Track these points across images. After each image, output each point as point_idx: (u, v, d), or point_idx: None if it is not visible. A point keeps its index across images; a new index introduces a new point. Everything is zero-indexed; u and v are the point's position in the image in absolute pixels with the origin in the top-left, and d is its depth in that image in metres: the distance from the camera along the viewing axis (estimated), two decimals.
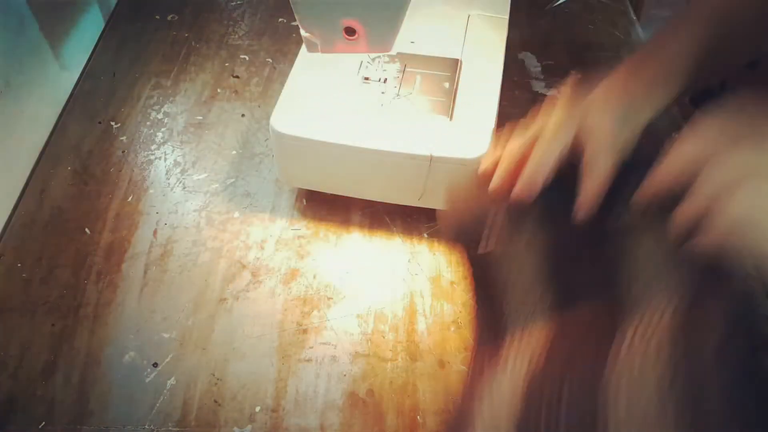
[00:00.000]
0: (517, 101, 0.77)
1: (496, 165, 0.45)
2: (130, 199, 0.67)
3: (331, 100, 0.61)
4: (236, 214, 0.65)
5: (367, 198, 0.65)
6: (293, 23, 0.88)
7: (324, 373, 0.54)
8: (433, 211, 0.64)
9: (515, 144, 0.46)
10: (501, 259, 0.44)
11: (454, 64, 0.65)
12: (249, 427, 0.51)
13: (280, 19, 0.89)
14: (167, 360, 0.54)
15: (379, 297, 0.59)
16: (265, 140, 0.73)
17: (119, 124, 0.74)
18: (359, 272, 0.61)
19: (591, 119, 0.45)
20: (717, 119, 0.42)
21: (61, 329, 0.56)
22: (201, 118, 0.75)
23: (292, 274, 0.60)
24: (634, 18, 0.90)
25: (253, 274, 0.60)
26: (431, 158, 0.57)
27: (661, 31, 0.52)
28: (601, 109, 0.45)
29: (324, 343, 0.55)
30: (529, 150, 0.44)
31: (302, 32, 0.55)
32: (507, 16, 0.71)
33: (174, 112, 0.76)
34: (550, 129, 0.45)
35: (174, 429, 0.50)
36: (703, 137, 0.41)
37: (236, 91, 0.79)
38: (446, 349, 0.56)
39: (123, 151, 0.72)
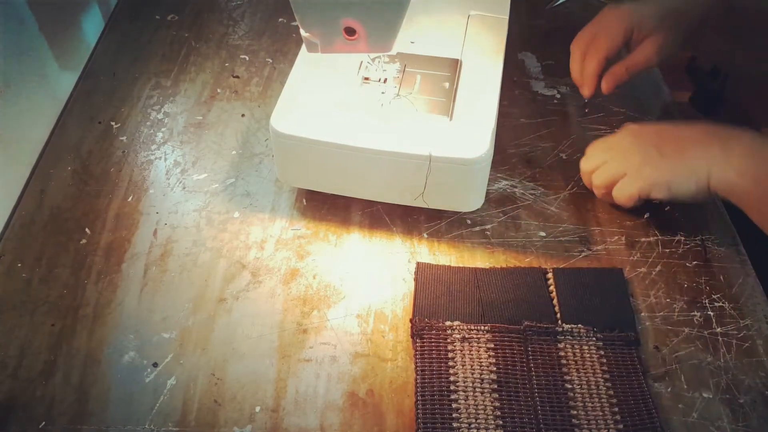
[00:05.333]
0: (517, 101, 0.77)
1: None
2: (130, 199, 0.67)
3: (331, 100, 0.61)
4: (236, 214, 0.65)
5: (367, 198, 0.65)
6: (293, 23, 0.88)
7: (324, 373, 0.54)
8: (433, 211, 0.64)
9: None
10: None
11: (454, 64, 0.65)
12: (249, 427, 0.51)
13: (280, 19, 0.89)
14: (167, 360, 0.54)
15: (379, 297, 0.59)
16: (265, 140, 0.73)
17: (119, 124, 0.74)
18: (359, 272, 0.61)
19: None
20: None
21: (61, 329, 0.56)
22: (201, 118, 0.75)
23: (292, 274, 0.60)
24: None
25: (253, 274, 0.60)
26: (431, 158, 0.57)
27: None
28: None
29: (324, 343, 0.55)
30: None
31: (302, 32, 0.55)
32: (507, 16, 0.71)
33: (174, 112, 0.76)
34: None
35: (174, 429, 0.50)
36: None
37: (236, 91, 0.79)
38: None
39: (123, 151, 0.72)
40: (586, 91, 0.71)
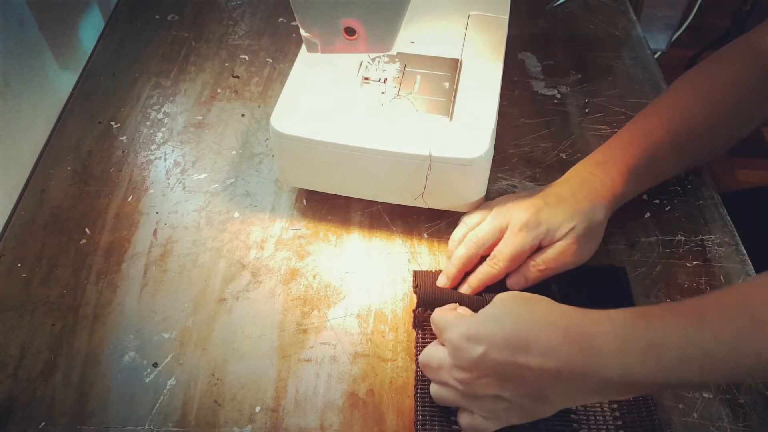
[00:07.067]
0: (517, 101, 0.77)
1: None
2: (130, 199, 0.67)
3: (331, 100, 0.61)
4: (236, 214, 0.65)
5: (367, 198, 0.65)
6: (293, 23, 0.88)
7: (324, 373, 0.54)
8: (433, 211, 0.64)
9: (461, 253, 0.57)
10: None
11: (454, 64, 0.65)
12: (249, 427, 0.51)
13: (280, 19, 0.89)
14: (167, 360, 0.54)
15: (379, 297, 0.59)
16: (265, 140, 0.73)
17: (119, 124, 0.74)
18: (359, 272, 0.61)
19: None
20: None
21: (61, 329, 0.56)
22: (201, 118, 0.75)
23: (292, 274, 0.60)
24: (634, 18, 0.90)
25: (253, 274, 0.60)
26: (431, 158, 0.57)
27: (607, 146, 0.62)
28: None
29: (324, 343, 0.55)
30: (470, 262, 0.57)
31: (302, 32, 0.55)
32: (507, 16, 0.71)
33: (174, 112, 0.76)
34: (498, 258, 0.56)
35: (174, 429, 0.50)
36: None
37: (236, 91, 0.79)
38: None
39: (123, 151, 0.72)
40: (446, 280, 0.57)
